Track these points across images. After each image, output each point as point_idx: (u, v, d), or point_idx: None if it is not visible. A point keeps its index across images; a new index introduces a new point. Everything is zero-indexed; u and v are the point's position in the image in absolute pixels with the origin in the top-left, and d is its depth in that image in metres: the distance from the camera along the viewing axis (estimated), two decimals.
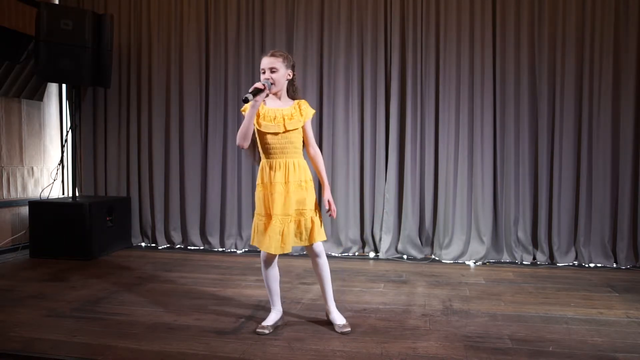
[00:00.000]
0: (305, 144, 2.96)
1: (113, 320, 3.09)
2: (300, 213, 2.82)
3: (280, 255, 2.88)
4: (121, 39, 5.52)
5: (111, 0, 5.53)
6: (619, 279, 4.17)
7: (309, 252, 2.94)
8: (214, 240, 5.34)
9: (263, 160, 2.89)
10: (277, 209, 2.78)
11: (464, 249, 4.83)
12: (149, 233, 5.55)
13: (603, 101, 4.59)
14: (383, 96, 4.97)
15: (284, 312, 3.09)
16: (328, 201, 2.94)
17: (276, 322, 2.96)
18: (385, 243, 4.93)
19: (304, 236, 2.84)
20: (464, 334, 2.88)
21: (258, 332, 2.87)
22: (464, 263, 4.76)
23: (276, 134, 2.82)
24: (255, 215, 2.90)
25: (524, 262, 4.72)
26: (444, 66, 4.86)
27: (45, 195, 5.40)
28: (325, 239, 2.95)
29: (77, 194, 5.26)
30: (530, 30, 4.72)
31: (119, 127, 5.58)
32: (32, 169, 5.42)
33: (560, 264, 4.66)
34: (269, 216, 2.82)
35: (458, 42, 4.83)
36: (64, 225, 4.84)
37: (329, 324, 2.98)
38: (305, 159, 2.95)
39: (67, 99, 5.75)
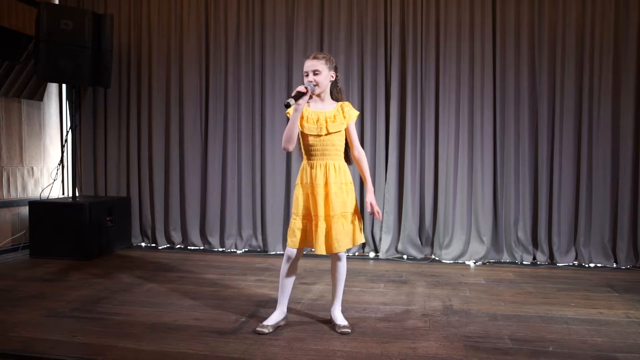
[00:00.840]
0: (349, 145, 2.97)
1: (113, 320, 3.09)
2: (343, 216, 2.84)
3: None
4: (121, 39, 5.52)
5: (111, 0, 5.53)
6: (619, 279, 4.17)
7: (331, 255, 2.94)
8: (214, 240, 5.34)
9: (304, 161, 2.92)
10: (320, 210, 2.81)
11: (464, 249, 4.83)
12: (149, 233, 5.55)
13: (603, 101, 4.59)
14: (383, 96, 4.97)
15: (287, 314, 3.08)
16: (370, 203, 2.95)
17: (278, 322, 2.96)
18: (385, 243, 4.93)
19: (346, 240, 2.84)
20: (464, 334, 2.88)
21: (258, 330, 2.87)
22: (464, 263, 4.76)
23: (318, 136, 2.84)
24: (292, 214, 2.92)
25: (524, 262, 4.72)
26: (444, 66, 4.86)
27: (45, 195, 5.40)
28: (364, 240, 3.02)
29: (77, 194, 5.26)
30: (530, 30, 4.72)
31: (119, 127, 5.58)
32: (32, 169, 5.42)
33: (560, 264, 4.66)
34: (306, 217, 2.86)
35: (458, 42, 4.83)
36: (64, 225, 4.84)
37: (329, 323, 2.99)
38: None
39: (67, 99, 5.75)
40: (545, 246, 4.73)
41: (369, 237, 5.06)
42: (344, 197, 2.86)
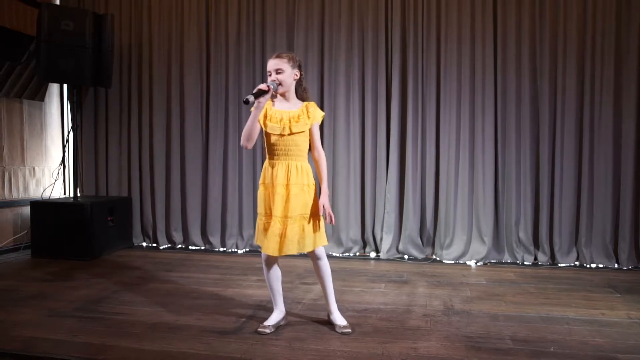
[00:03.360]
0: (310, 146, 2.93)
1: (114, 320, 3.10)
2: (303, 217, 2.80)
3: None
4: (122, 39, 5.53)
5: (112, 0, 5.54)
6: (620, 279, 4.16)
7: (310, 255, 2.93)
8: (215, 240, 5.35)
9: (266, 161, 2.89)
10: (278, 211, 2.77)
11: (465, 249, 4.82)
12: (150, 233, 5.56)
13: (604, 101, 4.59)
14: (384, 96, 4.97)
15: (286, 312, 3.08)
16: (323, 206, 2.85)
17: (278, 322, 2.96)
18: (386, 243, 4.93)
19: (307, 242, 2.80)
20: (465, 334, 2.87)
21: (259, 331, 2.87)
22: (465, 263, 4.75)
23: (281, 135, 2.81)
24: (258, 214, 2.90)
25: (525, 263, 4.72)
26: (445, 66, 4.86)
27: (46, 195, 5.41)
28: (326, 243, 2.94)
29: (78, 194, 5.27)
30: (531, 30, 4.71)
31: (120, 127, 5.59)
32: (34, 169, 5.43)
33: (561, 265, 4.65)
34: (269, 216, 2.82)
35: (459, 42, 4.83)
36: (65, 225, 4.84)
37: (329, 324, 2.99)
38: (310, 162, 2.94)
39: (68, 99, 5.76)
40: (546, 246, 4.72)
41: (370, 237, 5.06)
42: (305, 199, 2.81)
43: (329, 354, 2.58)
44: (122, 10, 5.52)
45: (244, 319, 3.11)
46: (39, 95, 5.39)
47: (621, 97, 4.57)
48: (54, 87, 5.68)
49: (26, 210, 5.19)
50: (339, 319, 2.94)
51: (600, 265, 4.60)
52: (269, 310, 3.08)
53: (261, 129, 2.84)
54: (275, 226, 2.76)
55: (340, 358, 2.54)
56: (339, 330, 2.87)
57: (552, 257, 4.72)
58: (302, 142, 2.86)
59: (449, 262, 4.79)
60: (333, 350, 2.64)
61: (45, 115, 5.57)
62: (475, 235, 4.82)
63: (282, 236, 2.76)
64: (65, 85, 5.72)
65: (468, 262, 4.77)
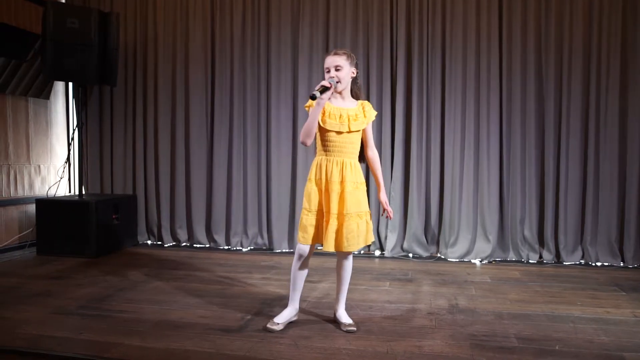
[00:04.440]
0: (364, 145, 2.97)
1: (119, 317, 3.10)
2: (358, 215, 2.83)
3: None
4: (127, 37, 5.53)
5: None
6: (625, 278, 4.15)
7: (338, 254, 2.94)
8: (220, 238, 5.35)
9: (319, 157, 2.89)
10: (334, 208, 2.79)
11: (470, 247, 4.81)
12: (155, 231, 5.57)
13: (610, 100, 4.56)
14: (389, 94, 4.96)
15: (299, 310, 3.07)
16: (383, 202, 2.94)
17: (289, 319, 2.96)
18: (390, 241, 4.93)
19: (360, 239, 2.83)
20: (469, 332, 2.87)
21: (268, 328, 2.87)
22: (470, 261, 4.75)
23: (340, 132, 2.83)
24: (303, 209, 2.89)
25: (530, 261, 4.70)
26: (450, 64, 4.84)
27: (52, 193, 5.43)
28: (373, 239, 3.00)
29: (83, 192, 5.28)
30: (536, 28, 4.69)
31: (125, 125, 5.60)
32: (39, 167, 5.45)
33: (566, 263, 4.64)
34: (319, 213, 2.84)
35: (464, 41, 4.81)
36: (70, 223, 4.86)
37: (334, 322, 2.99)
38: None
39: (73, 97, 5.77)
40: (551, 245, 4.71)
41: (375, 235, 5.06)
42: (359, 197, 2.85)
43: (334, 352, 2.58)
44: (127, 9, 5.53)
45: (248, 317, 3.12)
46: (44, 93, 5.40)
47: (627, 96, 4.54)
48: (59, 85, 5.70)
49: (31, 208, 5.20)
50: (344, 317, 2.95)
51: (606, 264, 4.58)
52: (274, 308, 3.08)
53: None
54: (333, 223, 2.78)
55: (345, 356, 2.54)
56: (344, 329, 2.88)
57: (557, 255, 4.71)
58: (357, 140, 2.90)
59: (454, 260, 4.79)
60: (338, 348, 2.64)
61: (50, 113, 5.59)
62: (480, 234, 4.81)
63: (339, 233, 2.79)
64: (70, 83, 5.73)
65: (473, 261, 4.76)
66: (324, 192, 2.83)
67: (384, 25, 4.96)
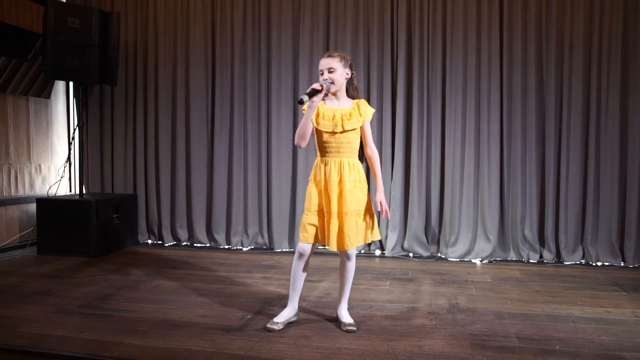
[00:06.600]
0: (363, 143, 2.97)
1: (120, 316, 3.11)
2: (357, 214, 2.84)
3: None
4: (128, 37, 5.54)
5: None
6: (626, 277, 4.14)
7: (341, 254, 2.94)
8: (220, 237, 5.36)
9: (318, 158, 2.92)
10: (334, 208, 2.80)
11: (471, 247, 4.81)
12: (156, 230, 5.57)
13: (611, 99, 4.56)
14: (389, 94, 4.96)
15: (298, 310, 3.07)
16: (380, 202, 2.94)
17: (289, 319, 2.96)
18: (391, 241, 4.93)
19: (359, 237, 2.85)
20: (470, 332, 2.87)
21: (268, 327, 2.87)
22: (471, 261, 4.75)
23: (333, 133, 2.84)
24: (305, 210, 2.91)
25: (531, 261, 4.70)
26: (450, 63, 4.84)
27: (52, 192, 5.43)
28: (379, 237, 3.04)
29: (84, 191, 5.28)
30: (537, 27, 4.69)
31: (125, 125, 5.60)
32: (40, 166, 5.45)
33: (567, 263, 4.64)
34: (319, 213, 2.85)
35: (465, 40, 4.81)
36: (71, 222, 4.86)
37: (335, 321, 2.99)
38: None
39: (74, 96, 5.77)
40: (552, 244, 4.71)
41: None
42: (358, 195, 2.86)
43: (335, 352, 2.58)
44: (128, 8, 5.53)
45: (249, 316, 3.12)
46: (45, 92, 5.40)
47: (628, 95, 4.54)
48: (60, 85, 5.70)
49: (32, 207, 5.21)
50: (345, 317, 2.95)
51: (606, 264, 4.58)
52: (275, 307, 3.08)
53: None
54: (334, 223, 2.79)
55: (345, 356, 2.54)
56: (345, 328, 2.88)
57: (558, 255, 4.71)
58: (354, 139, 2.90)
59: (454, 260, 4.79)
60: (338, 347, 2.64)
61: (51, 113, 5.59)
62: (481, 233, 4.81)
63: (341, 233, 2.81)
64: (71, 83, 5.74)
65: (473, 260, 4.76)
66: (324, 193, 2.84)
67: (384, 25, 4.96)
